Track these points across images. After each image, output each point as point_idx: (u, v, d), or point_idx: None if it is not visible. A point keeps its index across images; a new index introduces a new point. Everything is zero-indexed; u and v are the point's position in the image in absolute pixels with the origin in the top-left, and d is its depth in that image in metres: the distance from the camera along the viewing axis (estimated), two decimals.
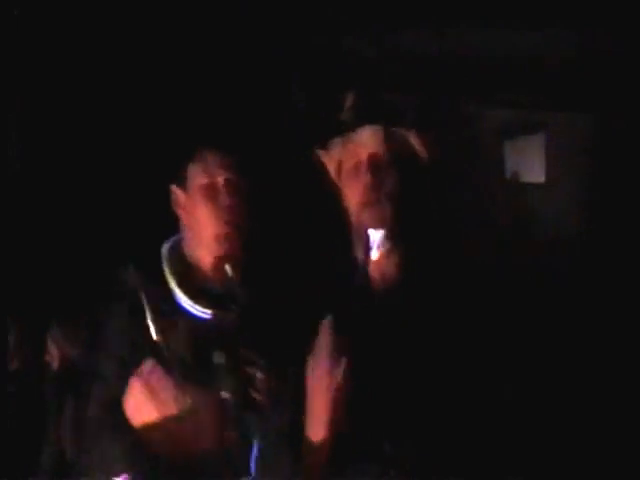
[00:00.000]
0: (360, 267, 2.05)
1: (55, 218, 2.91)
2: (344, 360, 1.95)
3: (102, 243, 2.82)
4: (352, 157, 2.09)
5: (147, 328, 2.20)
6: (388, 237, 2.04)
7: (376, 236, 2.04)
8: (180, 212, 2.34)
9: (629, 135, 3.34)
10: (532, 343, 2.17)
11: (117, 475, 2.09)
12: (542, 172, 3.52)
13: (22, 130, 2.94)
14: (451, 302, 2.05)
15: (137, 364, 2.15)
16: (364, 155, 2.07)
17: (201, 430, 2.14)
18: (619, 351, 3.09)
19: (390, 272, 2.07)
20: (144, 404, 2.11)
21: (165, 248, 2.34)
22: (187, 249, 2.33)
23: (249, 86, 3.18)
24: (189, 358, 2.21)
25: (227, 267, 2.28)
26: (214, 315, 2.25)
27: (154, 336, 2.19)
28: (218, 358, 2.18)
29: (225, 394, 2.16)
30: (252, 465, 2.15)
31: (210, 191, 2.29)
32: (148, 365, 2.14)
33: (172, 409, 2.10)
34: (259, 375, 2.17)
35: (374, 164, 2.05)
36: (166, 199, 2.35)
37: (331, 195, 2.15)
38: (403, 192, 2.06)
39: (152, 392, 2.11)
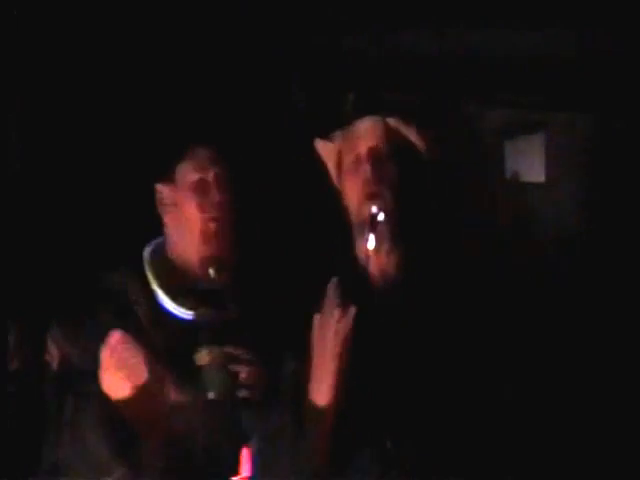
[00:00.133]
0: (360, 263, 2.05)
1: (55, 218, 2.91)
2: (351, 316, 1.94)
3: (101, 243, 2.82)
4: (352, 150, 2.08)
5: (132, 329, 2.17)
6: (388, 230, 2.03)
7: (377, 229, 2.03)
8: (166, 212, 2.32)
9: (629, 135, 3.34)
10: (532, 343, 2.17)
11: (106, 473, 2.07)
12: (542, 172, 3.52)
13: (22, 130, 2.94)
14: (451, 301, 2.05)
15: None
16: (364, 148, 2.06)
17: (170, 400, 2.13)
18: (619, 351, 3.09)
19: (389, 268, 2.07)
20: (115, 375, 2.08)
21: (147, 251, 2.33)
22: (172, 250, 2.31)
23: (249, 86, 3.17)
24: (173, 360, 2.19)
25: (210, 270, 2.27)
26: (197, 316, 2.24)
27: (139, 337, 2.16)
28: (203, 359, 2.16)
29: (212, 395, 2.15)
30: (249, 464, 2.15)
31: (200, 187, 2.27)
32: (115, 336, 2.10)
33: (142, 377, 2.07)
34: (245, 374, 2.16)
35: (374, 156, 2.04)
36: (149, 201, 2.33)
37: (329, 192, 2.14)
38: (404, 184, 2.05)
39: (120, 362, 2.07)
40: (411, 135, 2.09)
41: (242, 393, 2.17)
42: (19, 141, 2.93)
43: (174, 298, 2.26)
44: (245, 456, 2.19)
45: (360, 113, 2.12)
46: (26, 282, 2.75)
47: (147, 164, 2.41)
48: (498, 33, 3.18)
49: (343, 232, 2.11)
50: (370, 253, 2.03)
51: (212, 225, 2.27)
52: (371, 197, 2.03)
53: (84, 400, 2.13)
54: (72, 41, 2.95)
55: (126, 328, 2.16)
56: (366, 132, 2.08)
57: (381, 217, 2.01)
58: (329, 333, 1.95)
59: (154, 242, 2.36)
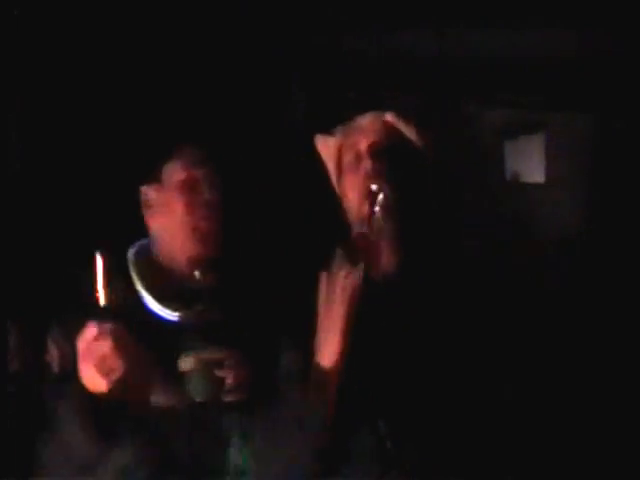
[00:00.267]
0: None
1: (56, 218, 2.91)
2: (359, 273, 1.93)
3: (85, 243, 2.79)
4: (352, 148, 2.07)
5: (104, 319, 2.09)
6: (388, 227, 2.02)
7: (377, 209, 2.01)
8: (152, 213, 2.29)
9: (629, 135, 3.34)
10: (532, 343, 2.17)
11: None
12: (542, 172, 3.52)
13: (22, 130, 2.94)
14: (451, 301, 2.05)
15: None
16: (364, 145, 2.05)
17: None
18: (619, 351, 3.09)
19: (389, 266, 2.06)
20: (91, 370, 2.03)
21: (131, 252, 2.30)
22: (157, 251, 2.28)
23: (249, 86, 3.18)
24: (159, 362, 2.17)
25: (196, 272, 2.25)
26: (182, 317, 2.22)
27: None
28: (187, 365, 2.15)
29: (198, 398, 2.14)
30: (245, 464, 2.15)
31: (189, 186, 2.25)
32: (91, 330, 2.04)
33: (119, 373, 2.04)
34: (230, 379, 2.15)
35: (374, 152, 2.03)
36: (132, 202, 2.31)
37: (328, 193, 2.14)
38: (404, 180, 2.04)
39: (97, 359, 2.02)
40: (411, 132, 2.08)
41: (227, 397, 2.16)
42: (19, 141, 2.93)
43: (159, 299, 2.24)
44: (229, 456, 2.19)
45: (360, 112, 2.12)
46: (26, 283, 2.75)
47: (135, 164, 2.39)
48: (498, 33, 3.19)
49: (339, 232, 2.10)
50: (369, 248, 2.02)
51: (201, 225, 2.24)
52: (371, 194, 2.02)
53: (67, 400, 2.11)
54: (75, 42, 2.95)
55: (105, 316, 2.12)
56: (366, 128, 2.07)
57: (381, 197, 1.99)
58: (336, 289, 1.93)
59: (138, 243, 2.33)
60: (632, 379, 2.98)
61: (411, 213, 2.05)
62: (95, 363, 2.02)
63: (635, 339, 3.08)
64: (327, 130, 2.18)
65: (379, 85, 2.24)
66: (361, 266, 1.94)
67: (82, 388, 2.05)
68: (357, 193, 2.04)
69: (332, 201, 2.12)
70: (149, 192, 2.29)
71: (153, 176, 2.29)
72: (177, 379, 2.15)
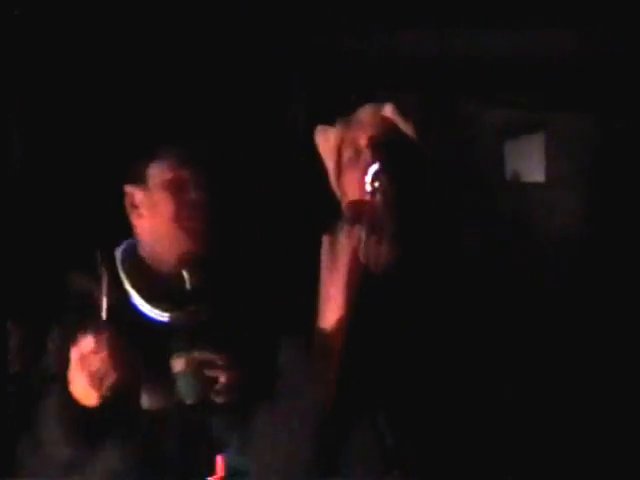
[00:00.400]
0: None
1: (56, 218, 2.91)
2: (361, 233, 1.93)
3: (73, 243, 2.78)
4: (352, 143, 2.06)
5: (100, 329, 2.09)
6: (387, 225, 2.02)
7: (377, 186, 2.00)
8: (138, 213, 2.27)
9: (629, 135, 3.34)
10: (532, 343, 2.17)
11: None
12: (542, 172, 3.52)
13: (22, 130, 2.94)
14: (451, 301, 2.05)
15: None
16: (364, 140, 2.04)
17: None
18: (620, 351, 3.09)
19: (388, 265, 2.06)
20: (82, 382, 2.03)
21: (118, 251, 2.28)
22: (145, 252, 2.27)
23: (249, 86, 3.18)
24: (148, 363, 2.16)
25: (185, 272, 2.24)
26: (172, 318, 2.21)
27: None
28: (178, 366, 2.14)
29: (188, 401, 2.13)
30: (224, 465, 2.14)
31: (176, 186, 2.23)
32: (88, 343, 2.03)
33: (111, 385, 2.02)
34: (222, 380, 2.14)
35: (374, 145, 2.02)
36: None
37: (326, 193, 2.13)
38: (404, 175, 2.04)
39: (91, 373, 2.01)
40: (409, 125, 2.06)
41: (219, 398, 2.15)
42: (19, 141, 2.93)
43: (149, 300, 2.22)
44: (220, 458, 2.18)
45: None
46: (27, 283, 2.75)
47: (123, 164, 2.38)
48: (498, 33, 3.19)
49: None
50: (368, 244, 2.01)
51: (189, 224, 2.22)
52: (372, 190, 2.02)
53: (51, 402, 2.09)
54: (75, 42, 2.95)
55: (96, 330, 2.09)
56: (366, 123, 2.06)
57: (379, 184, 1.98)
58: (338, 251, 1.93)
59: (126, 242, 2.31)
60: (632, 379, 2.98)
61: (410, 206, 2.05)
62: (89, 375, 2.01)
63: (635, 339, 3.08)
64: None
65: (379, 85, 2.24)
66: (362, 227, 1.94)
67: (68, 391, 2.04)
68: (357, 190, 2.03)
69: (331, 201, 2.12)
70: (135, 192, 2.26)
71: (138, 176, 2.26)
72: (166, 380, 2.14)
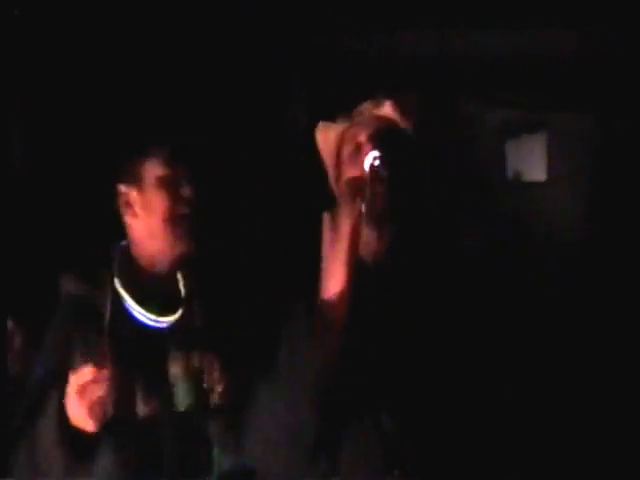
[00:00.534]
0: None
1: (56, 218, 2.91)
2: (362, 210, 1.93)
3: (64, 246, 2.77)
4: (352, 139, 2.06)
5: (90, 339, 2.08)
6: (384, 210, 2.02)
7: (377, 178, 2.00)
8: (132, 213, 2.26)
9: (630, 134, 3.34)
10: (532, 343, 2.17)
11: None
12: (542, 172, 3.53)
13: (23, 130, 2.94)
14: (451, 301, 2.05)
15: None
16: (364, 136, 2.04)
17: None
18: (620, 351, 3.09)
19: (387, 264, 2.06)
20: (83, 414, 2.00)
21: (112, 253, 2.27)
22: (138, 254, 2.26)
23: (249, 86, 3.18)
24: (141, 371, 2.15)
25: (178, 275, 2.23)
26: (165, 322, 2.20)
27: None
28: (176, 375, 2.13)
29: (185, 408, 2.12)
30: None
31: (170, 183, 2.22)
32: (88, 372, 2.00)
33: (108, 412, 2.02)
34: (219, 388, 2.13)
35: (374, 140, 2.02)
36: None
37: (326, 193, 2.13)
38: (403, 168, 2.03)
39: (90, 402, 2.00)
40: (408, 121, 2.06)
41: (215, 404, 2.14)
42: (19, 141, 2.93)
43: (141, 303, 2.21)
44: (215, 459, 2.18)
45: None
46: (27, 283, 2.75)
47: (121, 163, 2.37)
48: (498, 33, 3.19)
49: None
50: (367, 240, 2.01)
51: (184, 223, 2.21)
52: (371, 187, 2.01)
53: (46, 412, 2.08)
54: (75, 42, 2.95)
55: (90, 333, 2.08)
56: (366, 119, 2.06)
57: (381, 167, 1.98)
58: (339, 226, 1.93)
59: (119, 245, 2.30)
60: (632, 379, 2.98)
61: (409, 200, 2.05)
62: (88, 405, 1.99)
63: (636, 339, 3.08)
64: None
65: (379, 85, 2.23)
66: (361, 203, 1.94)
67: (63, 407, 2.03)
68: (355, 188, 2.03)
69: (331, 200, 2.12)
70: (129, 191, 2.25)
71: (132, 175, 2.25)
72: (162, 386, 2.13)
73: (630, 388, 2.98)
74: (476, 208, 3.34)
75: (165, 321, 2.20)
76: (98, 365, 2.00)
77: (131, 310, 2.20)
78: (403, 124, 2.06)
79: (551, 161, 3.51)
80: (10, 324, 2.50)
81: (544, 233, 3.46)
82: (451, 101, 3.30)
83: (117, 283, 2.22)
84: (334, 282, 1.94)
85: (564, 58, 3.22)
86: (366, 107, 2.09)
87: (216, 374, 2.12)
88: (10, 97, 2.86)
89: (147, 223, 2.23)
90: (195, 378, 2.12)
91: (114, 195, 2.29)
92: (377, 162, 1.98)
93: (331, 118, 2.16)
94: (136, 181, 2.23)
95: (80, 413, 2.00)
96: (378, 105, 2.08)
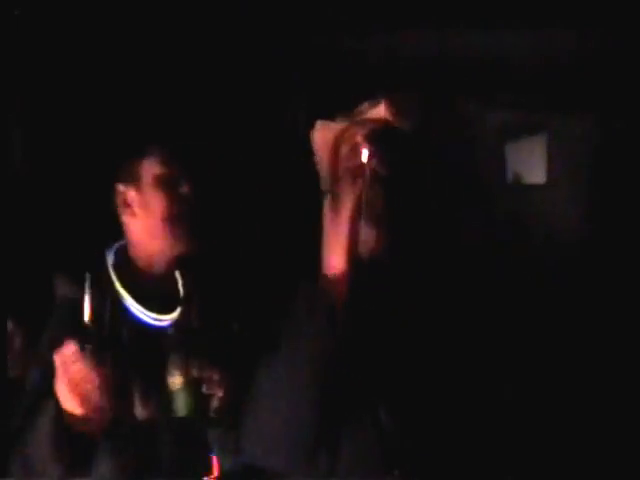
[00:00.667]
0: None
1: (55, 218, 2.91)
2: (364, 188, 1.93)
3: (60, 247, 2.76)
4: (349, 140, 2.06)
5: (85, 340, 2.07)
6: (381, 209, 2.02)
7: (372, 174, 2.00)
8: (131, 212, 2.25)
9: (630, 135, 3.34)
10: (532, 343, 2.16)
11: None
12: (542, 172, 3.52)
13: (23, 130, 2.94)
14: (450, 301, 2.05)
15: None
16: (360, 136, 2.04)
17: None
18: (620, 351, 3.09)
19: (387, 264, 2.06)
20: (65, 393, 2.01)
21: (110, 255, 2.26)
22: (137, 254, 2.25)
23: (248, 86, 3.18)
24: (139, 373, 2.15)
25: (177, 274, 2.23)
26: (165, 321, 2.19)
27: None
28: (176, 383, 2.12)
29: (182, 413, 2.11)
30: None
31: (168, 182, 2.21)
32: (69, 350, 2.01)
33: (91, 397, 2.01)
34: (219, 394, 2.12)
35: (370, 139, 2.02)
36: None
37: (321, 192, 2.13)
38: (401, 165, 2.03)
39: (72, 382, 2.00)
40: (405, 121, 2.06)
41: (215, 412, 2.13)
42: (19, 141, 2.93)
43: (141, 302, 2.21)
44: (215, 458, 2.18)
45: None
46: (28, 284, 2.75)
47: (112, 162, 2.36)
48: (498, 33, 3.19)
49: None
50: (365, 240, 2.01)
51: (183, 222, 2.21)
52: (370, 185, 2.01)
53: (42, 413, 2.07)
54: (75, 42, 2.95)
55: (87, 336, 2.06)
56: (364, 119, 2.06)
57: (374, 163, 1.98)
58: (341, 202, 1.93)
59: (116, 245, 2.29)
60: (633, 379, 2.98)
61: (408, 200, 2.05)
62: (68, 383, 1.99)
63: (636, 339, 3.07)
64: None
65: (379, 85, 2.23)
66: (361, 183, 1.95)
67: (58, 406, 2.03)
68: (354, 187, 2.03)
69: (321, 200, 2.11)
70: (127, 191, 2.24)
71: (130, 174, 2.25)
72: (161, 391, 2.12)
73: (630, 388, 2.98)
74: (476, 208, 3.34)
75: (166, 319, 2.19)
76: (79, 342, 2.00)
77: (131, 309, 2.20)
78: (402, 124, 2.06)
79: (551, 161, 3.51)
80: (10, 325, 2.50)
81: (544, 234, 3.46)
82: (451, 101, 3.29)
83: (116, 283, 2.22)
84: (335, 265, 1.94)
85: (564, 58, 3.22)
86: (366, 107, 2.09)
87: (216, 379, 2.12)
88: (10, 97, 2.86)
89: (145, 222, 2.23)
90: (194, 383, 2.11)
91: (112, 195, 2.29)
92: (376, 162, 1.98)
93: (331, 118, 2.15)
94: (134, 180, 2.23)
95: (63, 391, 1.99)
96: (378, 105, 2.08)
